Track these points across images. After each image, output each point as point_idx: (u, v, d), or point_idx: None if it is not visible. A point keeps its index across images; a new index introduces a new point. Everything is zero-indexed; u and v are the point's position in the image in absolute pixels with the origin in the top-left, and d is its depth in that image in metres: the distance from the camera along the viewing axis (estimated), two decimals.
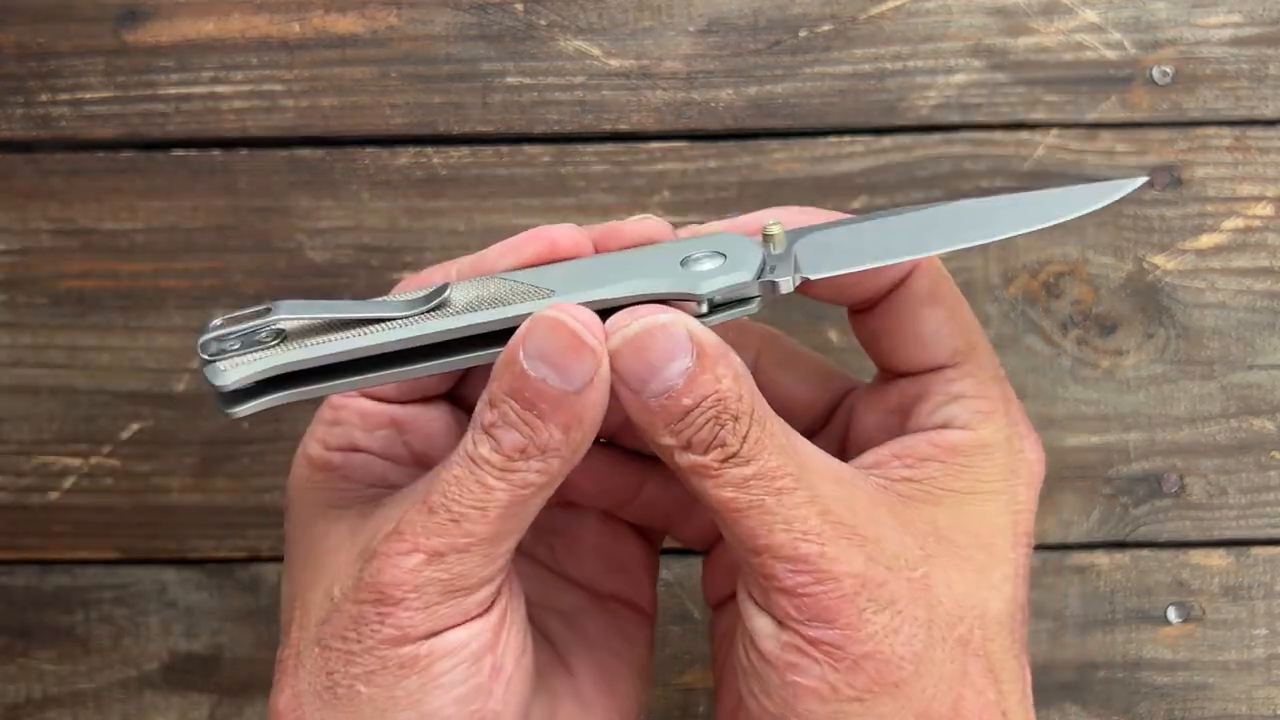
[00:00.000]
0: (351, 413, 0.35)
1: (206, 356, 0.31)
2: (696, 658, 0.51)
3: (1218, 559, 0.51)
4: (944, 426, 0.35)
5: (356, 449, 0.35)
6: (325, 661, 0.32)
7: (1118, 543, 0.51)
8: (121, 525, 0.51)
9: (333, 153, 0.50)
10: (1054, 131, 0.50)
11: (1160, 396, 0.50)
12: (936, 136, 0.50)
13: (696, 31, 0.50)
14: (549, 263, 0.33)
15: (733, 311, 0.33)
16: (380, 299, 0.33)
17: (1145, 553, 0.51)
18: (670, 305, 0.32)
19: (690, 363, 0.31)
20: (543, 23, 0.50)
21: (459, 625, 0.32)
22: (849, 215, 0.35)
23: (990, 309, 0.50)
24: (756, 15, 0.50)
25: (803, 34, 0.50)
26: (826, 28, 0.50)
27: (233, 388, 0.31)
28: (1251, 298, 0.50)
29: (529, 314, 0.31)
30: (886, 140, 0.50)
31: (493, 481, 0.31)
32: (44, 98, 0.50)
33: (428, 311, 0.32)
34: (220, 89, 0.50)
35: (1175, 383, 0.50)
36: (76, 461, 0.51)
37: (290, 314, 0.31)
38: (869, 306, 0.36)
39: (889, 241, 0.33)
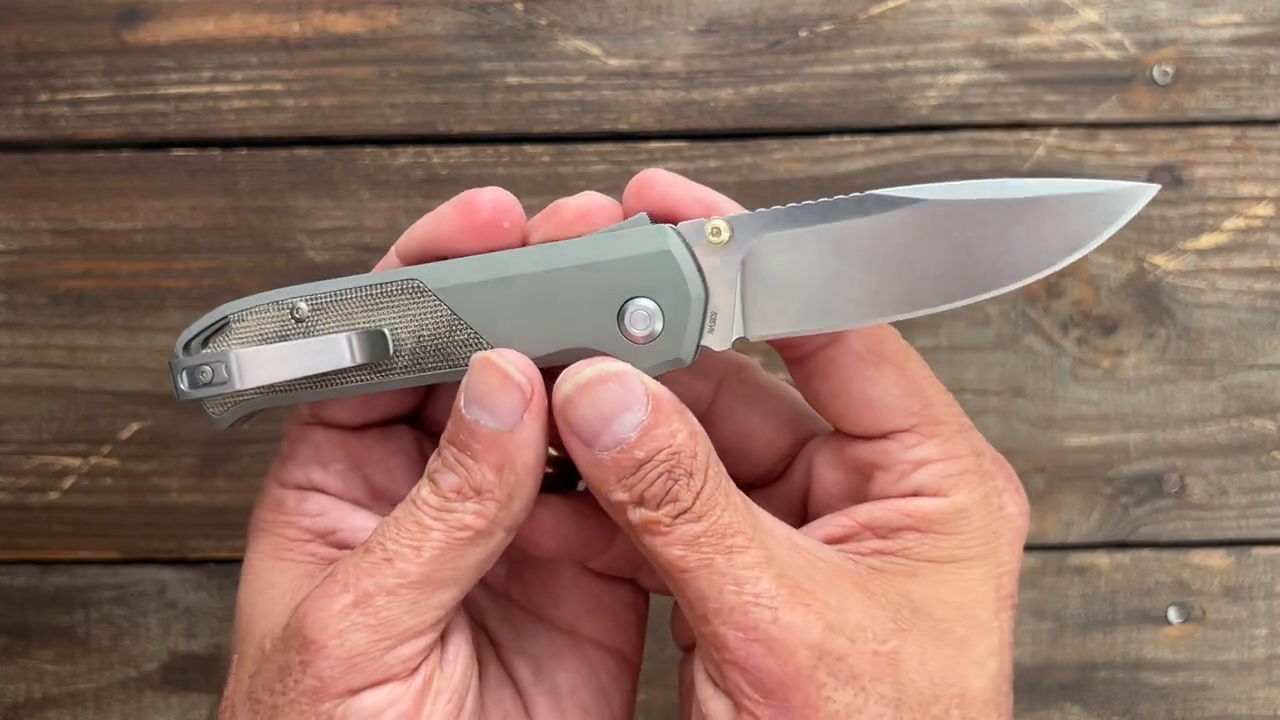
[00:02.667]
0: (306, 445, 0.35)
1: (189, 391, 0.33)
2: None
3: (1218, 559, 0.51)
4: (914, 494, 0.32)
5: (313, 487, 0.35)
6: (254, 715, 0.31)
7: (1118, 543, 0.51)
8: (121, 525, 0.51)
9: (333, 153, 0.50)
10: (1054, 131, 0.50)
11: (1161, 396, 0.50)
12: (937, 136, 0.50)
13: (696, 31, 0.50)
14: (471, 230, 0.32)
15: (667, 369, 0.32)
16: (328, 342, 0.33)
17: (1146, 553, 0.51)
18: None
19: (644, 415, 0.30)
20: (543, 23, 0.50)
21: (379, 684, 0.31)
22: (806, 211, 0.31)
23: (990, 309, 0.50)
24: (756, 15, 0.50)
25: (803, 34, 0.50)
26: (826, 28, 0.50)
27: (227, 426, 0.34)
28: (1252, 298, 0.50)
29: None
30: (886, 140, 0.50)
31: (429, 522, 0.31)
32: (44, 98, 0.50)
33: (374, 365, 0.33)
34: (220, 89, 0.50)
35: (1176, 383, 0.50)
36: (76, 461, 0.51)
37: (246, 380, 0.33)
38: (801, 359, 0.33)
39: (849, 288, 0.30)
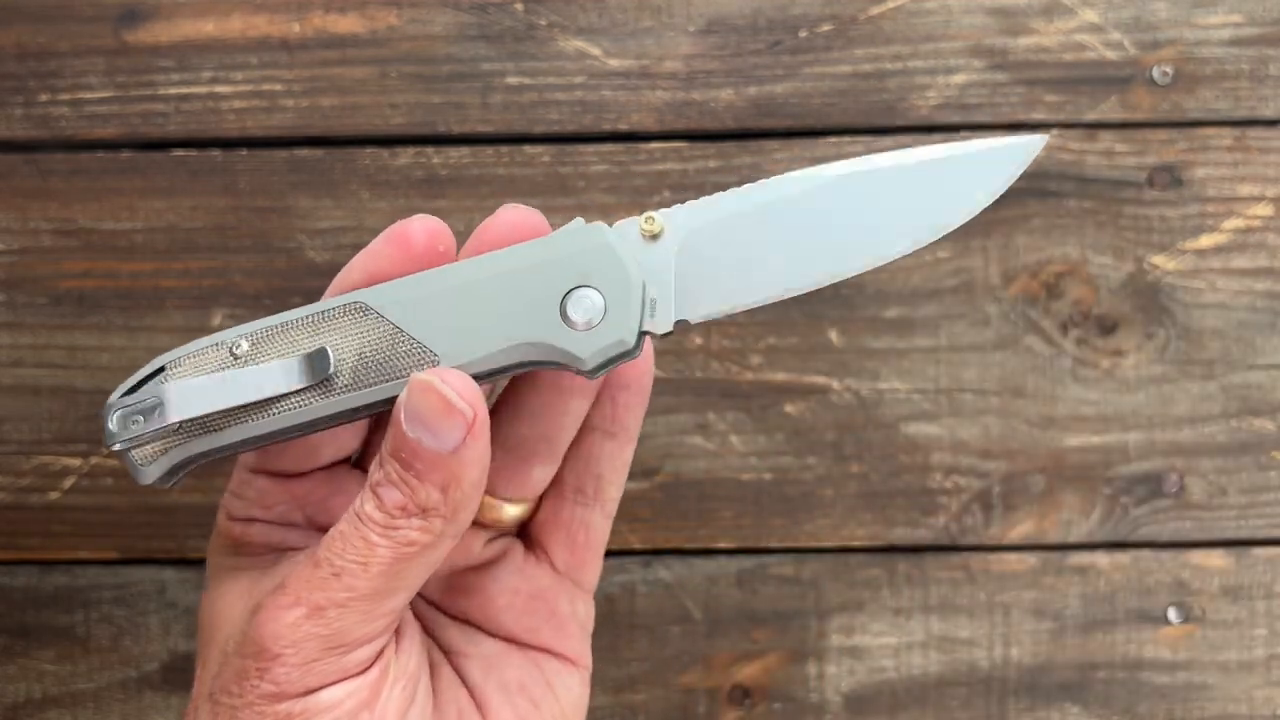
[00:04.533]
0: (251, 489, 0.36)
1: (120, 444, 0.32)
2: (696, 658, 0.51)
3: (1218, 559, 0.51)
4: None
5: (255, 520, 0.36)
6: (214, 715, 0.32)
7: (1118, 543, 0.51)
8: (121, 525, 0.51)
9: (333, 153, 0.50)
10: (1054, 131, 0.50)
11: (1160, 396, 0.50)
12: (937, 136, 0.50)
13: (696, 31, 0.50)
14: (406, 261, 0.33)
15: (617, 364, 0.33)
16: (267, 367, 0.33)
17: (1145, 553, 0.51)
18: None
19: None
20: (543, 23, 0.50)
21: (336, 683, 0.32)
22: (728, 198, 0.33)
23: (991, 309, 0.50)
24: (756, 15, 0.50)
25: (803, 34, 0.50)
26: (826, 28, 0.50)
27: (155, 479, 0.33)
28: (1251, 298, 0.50)
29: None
30: (886, 140, 0.50)
31: (375, 538, 0.31)
32: (44, 98, 0.50)
33: (318, 385, 0.32)
34: (220, 89, 0.50)
35: (1175, 383, 0.50)
36: (76, 461, 0.51)
37: (180, 412, 0.32)
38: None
39: (776, 263, 0.32)
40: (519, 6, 0.50)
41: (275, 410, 0.32)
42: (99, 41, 0.50)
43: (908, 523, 0.51)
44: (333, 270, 0.50)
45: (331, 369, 0.32)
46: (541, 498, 0.38)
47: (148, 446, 0.33)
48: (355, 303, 0.33)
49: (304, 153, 0.50)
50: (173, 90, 0.50)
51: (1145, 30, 0.50)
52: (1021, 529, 0.51)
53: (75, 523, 0.51)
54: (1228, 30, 0.50)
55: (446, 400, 0.31)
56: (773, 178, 0.32)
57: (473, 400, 0.31)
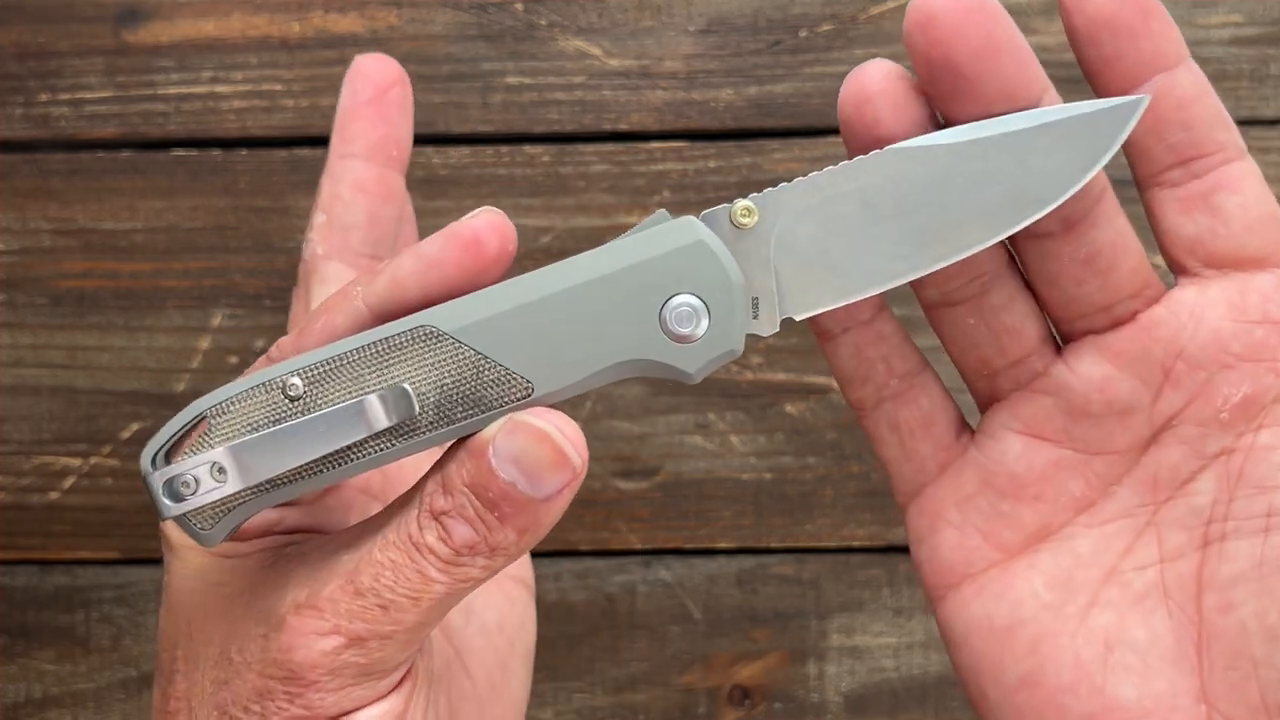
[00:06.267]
0: None
1: (171, 505, 0.29)
2: (696, 658, 0.51)
3: None
4: None
5: None
6: None
7: None
8: (121, 525, 0.51)
9: None
10: None
11: None
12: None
13: (696, 31, 0.50)
14: (479, 272, 0.29)
15: (720, 364, 0.30)
16: (341, 413, 0.29)
17: None
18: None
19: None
20: (543, 23, 0.50)
21: (371, 704, 0.30)
22: (827, 177, 0.30)
23: None
24: (756, 15, 0.50)
25: (803, 34, 0.50)
26: (826, 28, 0.50)
27: (221, 540, 0.29)
28: None
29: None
30: None
31: (434, 574, 0.28)
32: (44, 98, 0.50)
33: (396, 428, 0.29)
34: (220, 89, 0.50)
35: None
36: (76, 461, 0.51)
37: (248, 478, 0.28)
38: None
39: (884, 247, 0.29)
40: (519, 6, 0.50)
41: (351, 459, 0.29)
42: (99, 41, 0.50)
43: None
44: None
45: (416, 410, 0.29)
46: None
47: (204, 509, 0.29)
48: (424, 327, 0.29)
49: (304, 153, 0.50)
50: (172, 90, 0.50)
51: None
52: None
53: (75, 523, 0.51)
54: (1228, 30, 0.50)
55: (562, 453, 0.28)
56: (869, 154, 0.29)
57: (583, 455, 0.28)
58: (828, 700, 0.51)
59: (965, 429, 0.32)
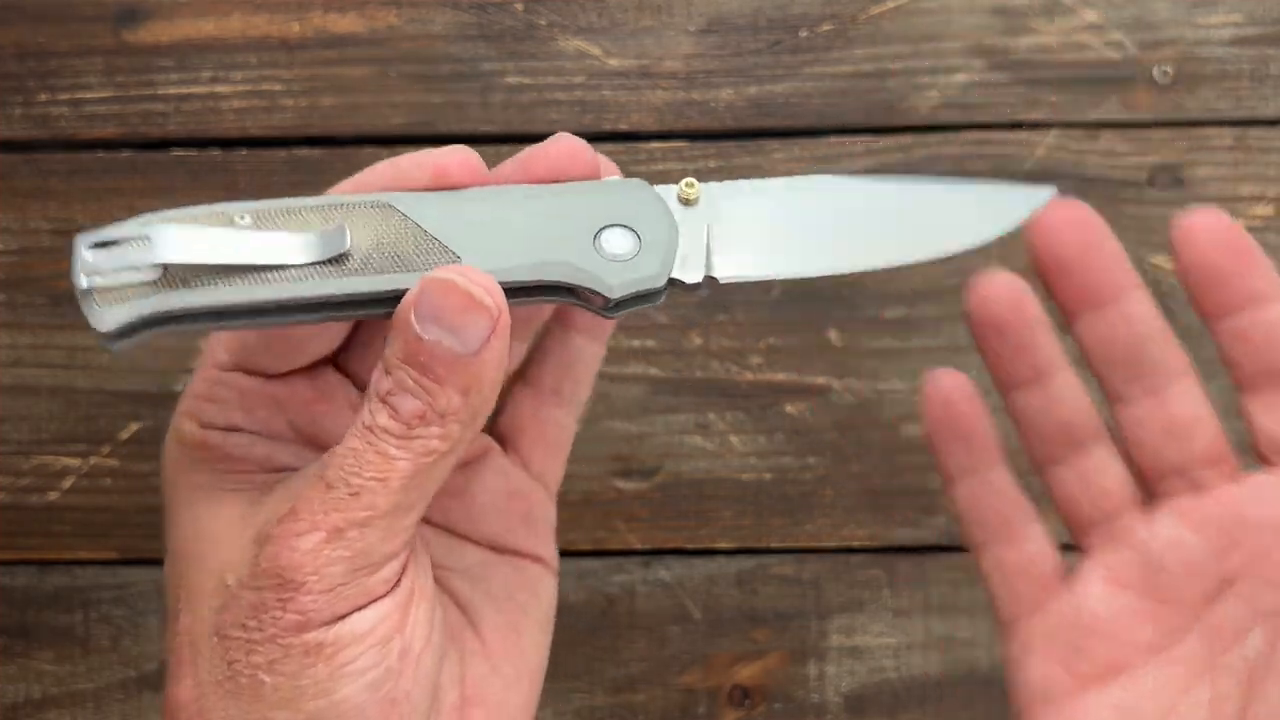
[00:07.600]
0: (229, 390, 0.33)
1: (83, 284, 0.29)
2: (696, 658, 0.51)
3: None
4: None
5: (236, 428, 0.33)
6: (225, 651, 0.30)
7: None
8: (121, 525, 0.51)
9: (332, 152, 0.50)
10: (1054, 131, 0.50)
11: None
12: (937, 136, 0.50)
13: (696, 31, 0.50)
14: (442, 188, 0.32)
15: (637, 306, 0.32)
16: (277, 234, 0.30)
17: None
18: (576, 293, 0.32)
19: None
20: (543, 22, 0.50)
21: (365, 607, 0.30)
22: (768, 183, 0.35)
23: None
24: (756, 15, 0.50)
25: (803, 34, 0.50)
26: (826, 28, 0.50)
27: (112, 330, 0.29)
28: None
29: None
30: (887, 140, 0.50)
31: (394, 451, 0.29)
32: (44, 98, 0.50)
33: (327, 263, 0.30)
34: (220, 89, 0.50)
35: None
36: (76, 461, 0.51)
37: (172, 253, 0.29)
38: None
39: (809, 242, 0.34)
40: (519, 6, 0.50)
41: (274, 278, 0.30)
42: (99, 41, 0.50)
43: (908, 523, 0.51)
44: None
45: (347, 247, 0.30)
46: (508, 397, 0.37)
47: (114, 290, 0.29)
48: (380, 201, 0.31)
49: (304, 152, 0.50)
50: (172, 90, 0.50)
51: (1146, 30, 0.50)
52: None
53: (75, 523, 0.51)
54: (1228, 30, 0.50)
55: (470, 296, 0.29)
56: (812, 175, 0.35)
57: (497, 299, 0.30)
58: (828, 701, 0.51)
59: (1060, 571, 0.35)
